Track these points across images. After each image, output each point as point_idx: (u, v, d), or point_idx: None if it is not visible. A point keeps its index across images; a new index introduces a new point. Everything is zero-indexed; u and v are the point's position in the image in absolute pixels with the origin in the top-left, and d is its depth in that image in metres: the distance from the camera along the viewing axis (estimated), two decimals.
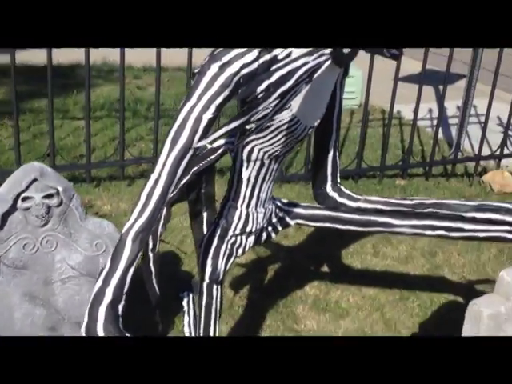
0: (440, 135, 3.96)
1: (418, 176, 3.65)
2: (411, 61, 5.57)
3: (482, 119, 3.78)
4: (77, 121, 3.96)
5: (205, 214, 1.47)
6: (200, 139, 0.98)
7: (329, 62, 1.04)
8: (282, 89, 0.98)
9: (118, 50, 2.95)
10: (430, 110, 4.82)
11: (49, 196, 1.49)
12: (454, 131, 4.06)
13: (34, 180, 1.47)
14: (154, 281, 1.55)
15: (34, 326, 1.63)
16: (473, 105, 3.82)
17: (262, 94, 0.99)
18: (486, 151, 3.70)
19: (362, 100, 4.89)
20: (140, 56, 4.39)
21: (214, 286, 1.43)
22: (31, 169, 1.47)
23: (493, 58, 3.49)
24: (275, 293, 2.46)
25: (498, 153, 3.62)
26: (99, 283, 1.05)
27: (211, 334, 1.46)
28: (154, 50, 2.96)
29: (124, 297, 1.05)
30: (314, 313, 2.38)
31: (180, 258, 2.63)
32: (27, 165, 1.50)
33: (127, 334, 1.06)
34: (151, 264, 1.53)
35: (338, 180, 1.49)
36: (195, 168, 1.37)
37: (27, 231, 1.52)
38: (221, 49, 1.00)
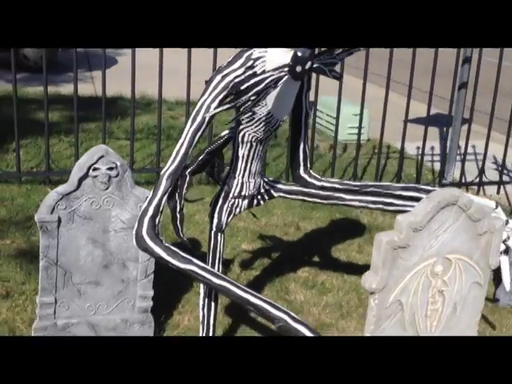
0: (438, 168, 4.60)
1: None
2: (418, 103, 6.22)
3: (480, 157, 4.40)
4: (120, 140, 4.74)
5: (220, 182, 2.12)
6: (209, 118, 1.66)
7: (287, 76, 1.72)
8: (256, 89, 1.65)
9: (155, 85, 3.73)
10: (432, 148, 5.47)
11: (110, 168, 2.18)
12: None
13: (101, 156, 2.17)
14: (182, 234, 2.17)
15: (93, 262, 2.30)
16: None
17: (242, 92, 1.66)
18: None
19: (370, 135, 5.60)
20: (173, 91, 5.23)
21: (219, 234, 2.08)
22: (100, 149, 2.18)
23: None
24: (274, 273, 3.08)
25: (477, 180, 4.23)
26: (145, 204, 1.72)
27: (215, 271, 2.06)
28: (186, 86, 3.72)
29: (160, 214, 1.71)
30: (303, 289, 2.99)
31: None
32: (97, 146, 2.21)
33: (161, 238, 1.72)
34: (178, 222, 2.17)
35: (309, 166, 2.14)
36: (208, 149, 2.05)
37: (94, 192, 2.21)
38: (225, 64, 1.70)
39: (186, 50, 3.61)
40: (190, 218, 3.43)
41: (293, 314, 1.72)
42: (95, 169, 2.17)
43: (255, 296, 1.72)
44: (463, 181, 4.24)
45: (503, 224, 1.86)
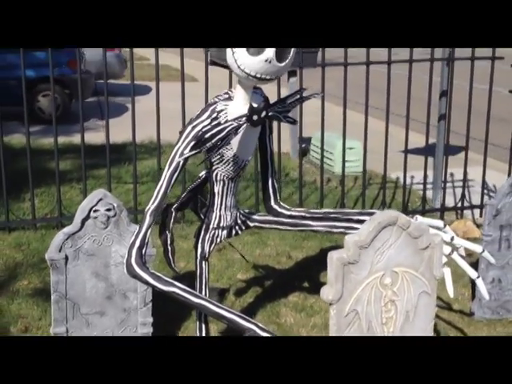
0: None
1: None
2: (416, 134, 6.53)
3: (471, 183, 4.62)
4: (127, 184, 5.11)
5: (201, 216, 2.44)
6: (183, 162, 2.01)
7: (246, 124, 2.05)
8: (219, 136, 2.00)
9: (163, 130, 4.09)
10: (426, 177, 5.75)
11: (108, 209, 2.53)
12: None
13: (100, 199, 2.52)
14: (173, 265, 2.47)
15: (97, 294, 2.62)
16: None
17: (209, 139, 2.00)
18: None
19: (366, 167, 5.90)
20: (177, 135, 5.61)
21: (203, 262, 2.40)
22: (99, 192, 2.53)
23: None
24: (266, 299, 3.36)
25: (459, 205, 4.51)
26: (133, 237, 2.05)
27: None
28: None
29: (146, 245, 2.04)
30: (293, 312, 3.27)
31: None
32: (97, 190, 2.56)
33: (147, 266, 2.05)
34: (170, 254, 2.49)
35: (278, 198, 2.46)
36: (190, 187, 2.39)
37: (95, 231, 2.55)
38: (195, 116, 2.05)
39: (189, 94, 3.94)
40: (191, 252, 3.74)
41: (260, 324, 2.02)
42: (95, 210, 2.52)
43: (228, 311, 2.02)
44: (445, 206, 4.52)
45: (442, 240, 2.15)
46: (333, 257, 2.04)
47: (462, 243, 2.34)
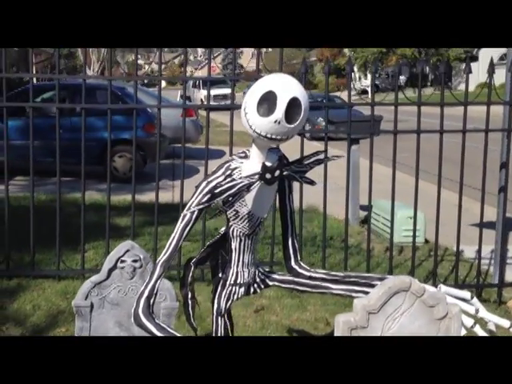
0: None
1: None
2: (490, 208, 6.30)
3: None
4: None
5: (219, 272, 2.45)
6: (196, 215, 2.06)
7: (259, 182, 2.08)
8: (229, 192, 2.03)
9: None
10: (492, 251, 5.49)
11: (135, 260, 2.60)
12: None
13: (127, 250, 2.60)
14: (192, 319, 2.50)
15: None
16: None
17: (219, 194, 2.04)
18: None
19: (427, 237, 5.74)
20: None
21: (219, 318, 2.38)
22: (126, 244, 2.61)
23: None
24: None
25: None
26: (142, 287, 2.09)
27: None
28: None
29: (154, 296, 2.07)
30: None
31: None
32: (125, 242, 2.64)
33: (153, 316, 2.07)
34: (190, 308, 2.51)
35: (299, 257, 2.43)
36: (209, 242, 2.41)
37: (121, 282, 2.62)
38: (211, 172, 2.11)
39: None
40: None
41: None
42: (122, 261, 2.60)
43: None
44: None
45: (461, 310, 2.04)
46: (339, 321, 1.98)
47: (488, 317, 2.20)
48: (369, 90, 31.67)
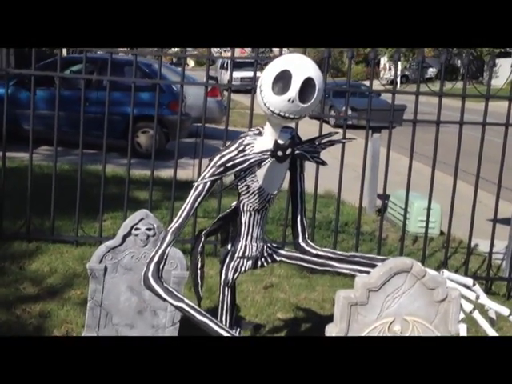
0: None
1: None
2: (507, 203, 6.27)
3: None
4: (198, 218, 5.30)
5: (229, 244, 2.53)
6: (208, 186, 2.14)
7: (269, 159, 2.14)
8: (240, 167, 2.10)
9: None
10: (507, 247, 5.49)
11: (149, 229, 2.69)
12: None
13: (142, 219, 2.69)
14: (200, 289, 2.58)
15: (129, 308, 2.76)
16: None
17: (230, 168, 2.11)
18: None
19: (443, 229, 5.75)
20: None
21: (226, 288, 2.47)
22: (141, 212, 2.70)
23: None
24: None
25: None
26: (153, 252, 2.18)
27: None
28: None
29: (164, 261, 2.16)
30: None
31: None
32: (140, 210, 2.74)
33: (162, 280, 2.16)
34: (199, 278, 2.59)
35: (307, 235, 2.50)
36: (220, 215, 2.49)
37: (135, 248, 2.71)
38: (224, 147, 2.18)
39: None
40: (238, 286, 3.82)
41: None
42: (137, 228, 2.69)
43: (229, 333, 2.08)
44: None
45: (460, 294, 2.09)
46: (340, 295, 2.05)
47: (488, 304, 2.25)
48: (398, 80, 31.37)
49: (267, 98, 2.03)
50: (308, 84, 2.00)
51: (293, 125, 2.62)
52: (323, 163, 2.33)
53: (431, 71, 34.13)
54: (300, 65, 2.02)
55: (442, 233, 5.92)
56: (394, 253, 5.00)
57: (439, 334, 2.09)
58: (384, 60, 37.80)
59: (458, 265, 4.90)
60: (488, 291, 4.33)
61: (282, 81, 2.00)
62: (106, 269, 2.70)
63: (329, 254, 2.46)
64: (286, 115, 2.05)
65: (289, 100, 2.00)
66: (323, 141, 2.27)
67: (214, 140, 9.48)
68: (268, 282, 3.94)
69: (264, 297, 3.74)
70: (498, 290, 4.46)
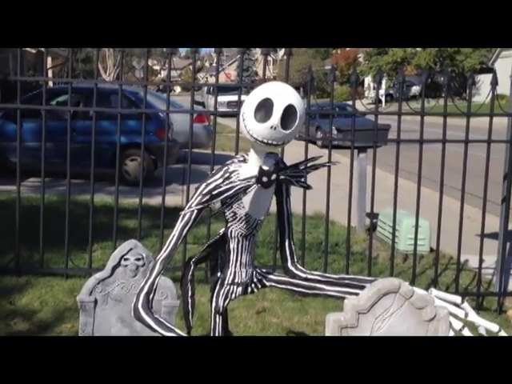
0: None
1: None
2: (494, 217, 6.30)
3: None
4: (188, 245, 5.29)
5: (218, 271, 2.53)
6: (195, 216, 2.15)
7: (256, 185, 2.16)
8: (226, 194, 2.12)
9: None
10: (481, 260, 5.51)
11: (138, 259, 2.70)
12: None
13: (131, 249, 2.69)
14: (190, 317, 2.59)
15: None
16: None
17: (216, 196, 2.13)
18: None
19: (433, 246, 5.78)
20: None
21: (217, 316, 2.47)
22: (130, 243, 2.71)
23: None
24: None
25: None
26: (142, 283, 2.18)
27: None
28: None
29: (154, 291, 2.16)
30: None
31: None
32: (128, 241, 2.74)
33: (153, 311, 2.16)
34: (189, 306, 2.59)
35: (295, 259, 2.51)
36: (209, 242, 2.50)
37: (124, 279, 2.71)
38: (210, 175, 2.20)
39: None
40: (231, 312, 3.82)
41: None
42: (126, 259, 2.69)
43: None
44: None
45: (448, 313, 2.10)
46: (330, 319, 2.06)
47: (477, 321, 2.26)
48: (383, 99, 31.70)
49: (250, 125, 2.06)
50: (289, 111, 2.04)
51: (278, 149, 2.65)
52: (308, 187, 2.36)
53: (415, 89, 34.58)
54: (281, 92, 2.05)
55: (432, 250, 5.95)
56: (385, 272, 5.01)
57: None
58: (368, 80, 38.27)
59: (449, 281, 4.92)
60: (479, 307, 4.35)
61: (264, 109, 2.03)
62: (96, 301, 2.70)
63: (318, 278, 2.47)
64: (270, 142, 2.07)
65: (271, 127, 2.03)
66: (308, 165, 2.30)
67: (202, 165, 9.52)
68: (260, 307, 3.94)
69: (257, 322, 3.73)
70: (490, 305, 4.48)
